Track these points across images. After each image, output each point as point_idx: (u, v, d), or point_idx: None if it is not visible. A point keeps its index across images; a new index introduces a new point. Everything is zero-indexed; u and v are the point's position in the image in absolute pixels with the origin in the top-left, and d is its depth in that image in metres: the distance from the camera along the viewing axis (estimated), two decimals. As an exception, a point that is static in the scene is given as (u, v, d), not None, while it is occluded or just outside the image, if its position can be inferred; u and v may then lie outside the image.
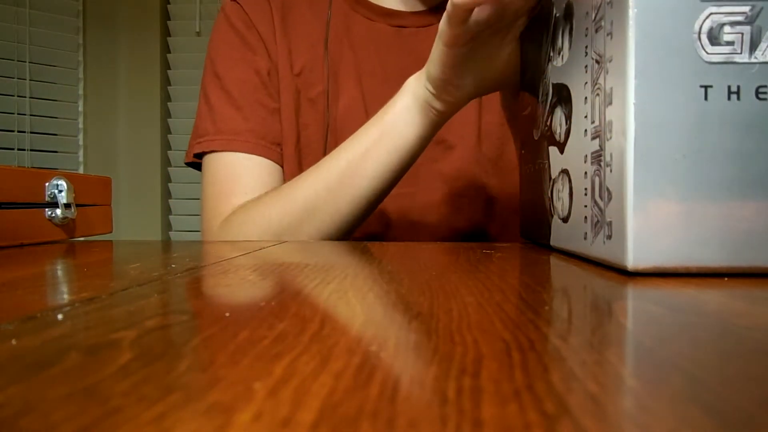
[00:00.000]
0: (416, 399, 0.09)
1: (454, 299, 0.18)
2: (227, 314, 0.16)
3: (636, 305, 0.18)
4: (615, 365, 0.11)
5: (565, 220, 0.33)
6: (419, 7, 0.66)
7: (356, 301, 0.18)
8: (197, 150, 0.63)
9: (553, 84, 0.36)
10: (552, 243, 0.36)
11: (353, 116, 0.64)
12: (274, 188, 0.58)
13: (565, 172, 0.33)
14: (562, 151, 0.34)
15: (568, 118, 0.32)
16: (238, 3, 0.65)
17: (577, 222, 0.31)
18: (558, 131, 0.34)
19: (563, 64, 0.33)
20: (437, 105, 0.47)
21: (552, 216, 0.36)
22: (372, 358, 0.11)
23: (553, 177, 0.36)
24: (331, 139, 0.64)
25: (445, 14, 0.41)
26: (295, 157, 0.64)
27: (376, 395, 0.09)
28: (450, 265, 0.28)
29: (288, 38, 0.65)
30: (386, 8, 0.65)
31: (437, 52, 0.44)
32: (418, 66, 0.65)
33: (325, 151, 0.62)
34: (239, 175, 0.61)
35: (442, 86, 0.45)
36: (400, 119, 0.48)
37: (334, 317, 0.15)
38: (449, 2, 0.40)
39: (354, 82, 0.64)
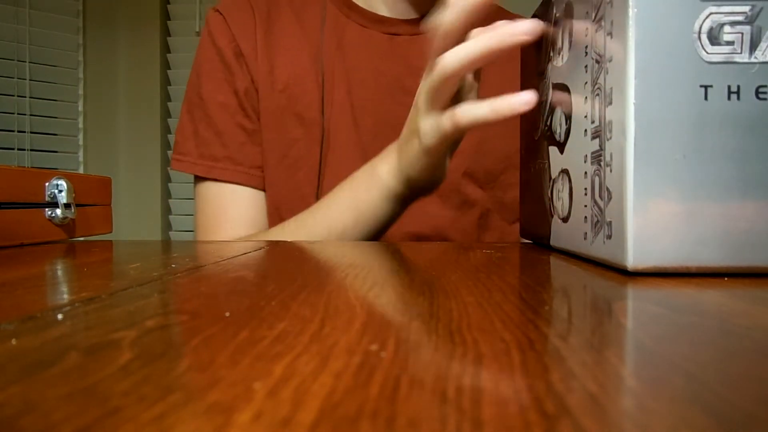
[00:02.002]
0: (416, 399, 0.09)
1: (454, 299, 0.18)
2: (227, 314, 0.16)
3: (636, 305, 0.18)
4: (615, 365, 0.11)
5: (565, 220, 0.33)
6: (412, 15, 0.65)
7: (356, 301, 0.18)
8: (179, 168, 0.65)
9: (553, 84, 0.36)
10: (552, 243, 0.36)
11: (341, 126, 0.63)
12: (260, 232, 0.61)
13: (565, 172, 0.33)
14: (562, 151, 0.34)
15: (568, 118, 0.32)
16: (221, 14, 0.65)
17: (577, 222, 0.31)
18: (558, 131, 0.34)
19: (563, 64, 0.33)
20: (409, 192, 0.49)
21: (552, 216, 0.36)
22: (372, 358, 0.11)
23: (553, 177, 0.36)
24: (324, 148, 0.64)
25: (436, 128, 0.42)
26: (282, 174, 0.64)
27: (376, 395, 0.09)
28: (450, 265, 0.28)
29: (271, 53, 0.64)
30: (379, 15, 0.65)
31: (418, 159, 0.45)
32: (409, 74, 0.65)
33: (320, 163, 0.62)
34: (224, 208, 0.64)
35: (415, 183, 0.48)
36: (374, 207, 0.50)
37: (334, 317, 0.15)
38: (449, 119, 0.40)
39: (344, 91, 0.64)
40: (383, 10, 0.65)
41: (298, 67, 0.64)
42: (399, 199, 0.49)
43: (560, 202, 0.34)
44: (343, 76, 0.64)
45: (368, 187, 0.50)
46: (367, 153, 0.63)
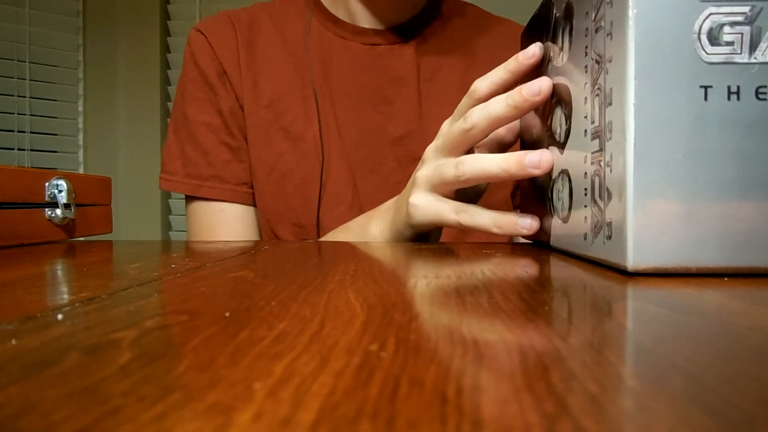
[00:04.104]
0: (416, 399, 0.09)
1: (454, 299, 0.18)
2: (227, 314, 0.16)
3: (636, 305, 0.18)
4: (615, 365, 0.11)
5: (565, 220, 0.33)
6: (391, 24, 0.66)
7: (356, 301, 0.18)
8: (167, 187, 0.67)
9: (554, 84, 0.36)
10: (552, 243, 0.36)
11: (327, 138, 0.64)
12: None
13: (565, 172, 0.33)
14: (562, 151, 0.34)
15: (568, 118, 0.32)
16: (203, 34, 0.66)
17: (576, 222, 0.31)
18: (558, 131, 0.34)
19: (563, 64, 0.33)
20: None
21: (552, 216, 0.36)
22: (372, 358, 0.11)
23: (553, 177, 0.36)
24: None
25: (433, 212, 0.43)
26: (272, 187, 0.65)
27: (376, 395, 0.09)
28: (450, 265, 0.28)
29: (254, 69, 0.65)
30: (359, 27, 0.66)
31: (405, 229, 0.46)
32: (391, 84, 0.66)
33: (322, 178, 0.63)
34: (214, 228, 0.65)
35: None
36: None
37: (334, 317, 0.15)
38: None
39: (327, 103, 0.64)
40: (363, 22, 0.66)
41: (282, 81, 0.65)
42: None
43: (560, 203, 0.34)
44: (326, 88, 0.65)
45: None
46: (351, 163, 0.64)
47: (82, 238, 0.50)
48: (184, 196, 0.68)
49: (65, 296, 0.19)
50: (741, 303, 0.18)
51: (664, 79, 0.24)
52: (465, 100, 0.42)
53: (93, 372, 0.11)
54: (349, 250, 0.37)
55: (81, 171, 1.85)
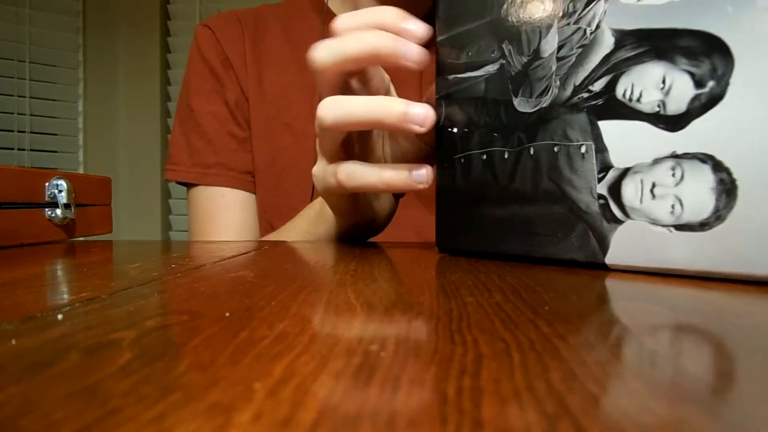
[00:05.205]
0: (416, 399, 0.09)
1: (454, 299, 0.18)
2: (227, 314, 0.16)
3: (636, 305, 0.18)
4: (615, 365, 0.11)
5: (695, 227, 0.24)
6: None
7: (356, 301, 0.18)
8: (172, 178, 0.67)
9: (626, 31, 0.26)
10: (610, 262, 0.26)
11: None
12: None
13: (695, 157, 0.24)
14: (675, 128, 0.24)
15: (713, 78, 0.23)
16: (210, 28, 0.67)
17: (758, 232, 0.22)
18: (652, 99, 0.25)
19: (678, 3, 0.24)
20: (353, 231, 0.47)
21: (616, 222, 0.26)
22: (372, 358, 0.11)
23: (623, 166, 0.26)
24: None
25: (322, 178, 0.38)
26: (271, 180, 0.65)
27: (376, 395, 0.09)
28: (450, 265, 0.28)
29: (259, 64, 0.66)
30: None
31: (327, 200, 0.43)
32: (394, 83, 0.65)
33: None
34: (214, 213, 0.65)
35: (350, 223, 0.45)
36: (330, 238, 0.49)
37: (334, 317, 0.15)
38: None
39: None
40: None
41: (287, 79, 0.66)
42: (349, 233, 0.47)
43: (661, 202, 0.25)
44: None
45: (317, 222, 0.49)
46: None
47: (82, 238, 0.50)
48: (185, 196, 0.69)
49: (65, 296, 0.19)
50: (741, 303, 0.18)
51: None
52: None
53: (93, 372, 0.11)
54: (349, 250, 0.37)
55: (81, 171, 1.85)
